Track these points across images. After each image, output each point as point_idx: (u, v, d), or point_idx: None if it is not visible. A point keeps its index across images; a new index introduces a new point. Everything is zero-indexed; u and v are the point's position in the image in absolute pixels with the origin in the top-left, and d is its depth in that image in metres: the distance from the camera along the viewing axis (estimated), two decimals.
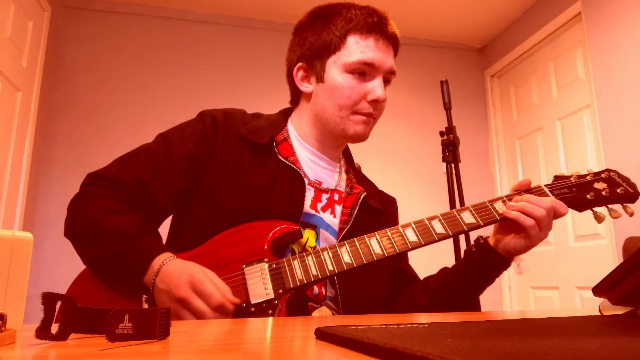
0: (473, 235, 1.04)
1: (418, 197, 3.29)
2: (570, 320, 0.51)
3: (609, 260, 2.55)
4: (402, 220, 1.16)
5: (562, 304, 2.88)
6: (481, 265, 0.93)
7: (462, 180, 1.53)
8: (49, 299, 0.40)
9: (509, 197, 0.91)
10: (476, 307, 1.01)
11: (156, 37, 3.17)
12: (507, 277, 3.35)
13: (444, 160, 1.55)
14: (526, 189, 0.93)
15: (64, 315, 0.41)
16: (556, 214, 0.87)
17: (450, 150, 1.53)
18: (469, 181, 2.80)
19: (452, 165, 1.53)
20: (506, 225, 0.90)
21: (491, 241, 0.92)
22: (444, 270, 1.01)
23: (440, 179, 3.13)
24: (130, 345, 0.39)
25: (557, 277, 2.96)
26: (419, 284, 1.03)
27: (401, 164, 3.38)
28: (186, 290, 0.77)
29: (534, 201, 0.86)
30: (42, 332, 0.39)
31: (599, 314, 0.57)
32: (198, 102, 3.04)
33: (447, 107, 1.55)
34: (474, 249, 0.94)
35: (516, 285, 3.32)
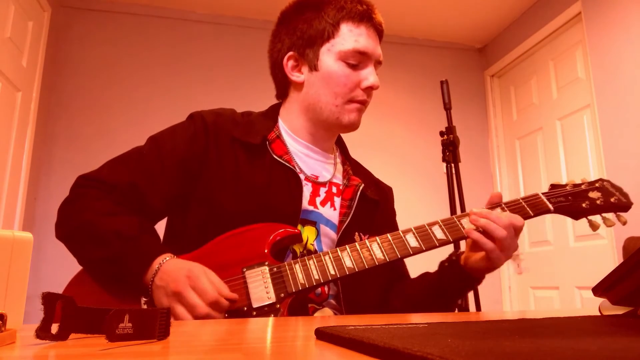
0: None
1: (418, 197, 3.29)
2: (570, 320, 0.51)
3: (609, 260, 2.55)
4: (397, 209, 1.17)
5: (562, 304, 2.88)
6: (452, 281, 0.94)
7: (462, 180, 1.53)
8: (49, 299, 0.40)
9: (508, 205, 0.91)
10: (452, 310, 1.01)
11: (156, 37, 3.17)
12: (507, 277, 3.35)
13: (444, 160, 1.55)
14: (497, 203, 0.91)
15: (64, 315, 0.41)
16: (516, 230, 0.85)
17: (450, 150, 1.53)
18: (469, 181, 2.80)
19: (452, 165, 1.54)
20: (476, 243, 0.89)
21: (462, 258, 0.93)
22: (423, 276, 1.02)
23: (440, 179, 3.13)
24: (130, 345, 0.39)
25: (557, 277, 2.96)
26: (402, 285, 1.05)
27: (401, 164, 3.38)
28: (183, 285, 0.77)
29: (493, 218, 0.84)
30: (42, 332, 0.39)
31: (599, 314, 0.57)
32: (198, 102, 3.04)
33: (447, 107, 1.56)
34: (446, 264, 0.95)
35: (516, 285, 3.32)
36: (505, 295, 3.34)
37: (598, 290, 0.52)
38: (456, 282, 0.94)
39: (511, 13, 3.34)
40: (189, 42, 3.21)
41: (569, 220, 2.96)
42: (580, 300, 2.78)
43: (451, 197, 1.54)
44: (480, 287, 1.48)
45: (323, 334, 0.41)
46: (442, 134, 1.56)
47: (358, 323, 0.45)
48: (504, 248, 0.84)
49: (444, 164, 1.56)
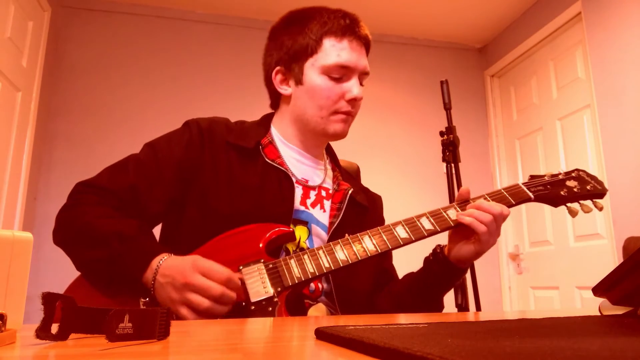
0: None
1: (418, 197, 3.29)
2: (570, 320, 0.51)
3: (609, 260, 2.55)
4: (396, 209, 1.18)
5: (562, 304, 2.89)
6: (438, 274, 0.97)
7: (462, 180, 1.52)
8: (49, 299, 0.40)
9: (491, 195, 0.96)
10: (439, 308, 1.03)
11: (156, 37, 3.17)
12: (507, 277, 3.35)
13: (444, 160, 1.55)
14: (466, 200, 0.95)
15: (64, 315, 0.41)
16: (503, 218, 0.91)
17: (450, 150, 1.53)
18: (469, 181, 2.80)
19: (452, 165, 1.53)
20: (458, 232, 0.94)
21: (446, 250, 0.96)
22: (407, 275, 1.05)
23: (440, 179, 3.13)
24: (130, 345, 0.39)
25: (557, 277, 2.96)
26: (386, 288, 1.06)
27: (401, 164, 3.38)
28: (191, 274, 0.77)
29: (484, 207, 0.90)
30: (42, 332, 0.39)
31: (599, 314, 0.57)
32: (198, 102, 3.04)
33: (447, 107, 1.55)
34: (431, 258, 0.98)
35: (516, 285, 3.32)
36: (505, 295, 3.34)
37: (598, 290, 0.52)
38: (441, 272, 0.96)
39: (511, 13, 3.34)
40: (189, 42, 3.21)
41: (569, 220, 2.97)
42: (580, 300, 2.78)
43: (451, 197, 1.54)
44: (480, 287, 1.48)
45: (323, 334, 0.41)
46: (442, 134, 1.56)
47: (358, 323, 0.45)
48: (491, 231, 0.89)
49: (444, 164, 1.56)
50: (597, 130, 2.67)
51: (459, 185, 1.53)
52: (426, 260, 0.99)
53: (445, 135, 1.54)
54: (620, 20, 2.56)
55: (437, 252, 0.97)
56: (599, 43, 2.68)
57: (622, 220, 2.43)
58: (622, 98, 2.53)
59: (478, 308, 1.53)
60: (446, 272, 0.95)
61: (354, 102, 1.00)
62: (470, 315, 0.94)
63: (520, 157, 3.40)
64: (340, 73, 0.98)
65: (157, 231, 0.98)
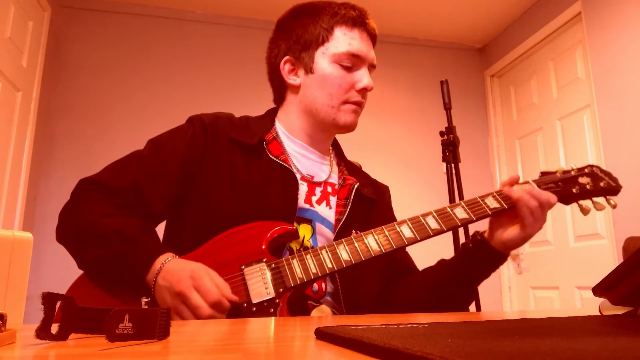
0: (473, 227, 1.05)
1: (418, 197, 3.29)
2: (570, 320, 0.51)
3: (609, 260, 2.55)
4: (396, 209, 1.17)
5: (562, 304, 2.89)
6: (478, 260, 0.95)
7: (462, 180, 1.53)
8: (49, 299, 0.40)
9: (499, 193, 0.93)
10: (473, 298, 1.02)
11: (156, 37, 3.17)
12: (507, 277, 3.35)
13: (444, 160, 1.55)
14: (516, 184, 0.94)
15: (64, 315, 0.41)
16: (550, 205, 0.90)
17: (450, 150, 1.53)
18: (469, 181, 2.80)
19: (452, 165, 1.54)
20: (499, 219, 0.92)
21: (486, 235, 0.94)
22: (441, 263, 1.02)
23: (440, 179, 3.13)
24: (130, 345, 0.39)
25: (557, 277, 2.96)
26: (416, 277, 1.04)
27: (401, 164, 3.38)
28: (186, 285, 0.77)
29: (530, 191, 0.89)
30: (42, 332, 0.39)
31: (599, 314, 0.57)
32: (198, 102, 3.04)
33: (447, 107, 1.56)
34: (470, 245, 0.95)
35: (516, 285, 3.32)
36: (505, 295, 3.34)
37: (598, 290, 0.52)
38: (483, 260, 0.94)
39: (511, 13, 3.34)
40: (189, 42, 3.21)
41: (569, 220, 2.97)
42: (580, 300, 2.78)
43: (451, 197, 1.54)
44: (480, 287, 1.48)
45: (323, 334, 0.41)
46: (442, 134, 1.56)
47: (358, 323, 0.45)
48: (536, 217, 0.88)
49: (444, 164, 1.56)
50: (597, 130, 2.67)
51: (459, 185, 1.53)
52: (464, 247, 0.96)
53: (445, 135, 1.54)
54: (620, 20, 2.56)
55: (478, 238, 0.94)
56: (599, 43, 2.68)
57: (622, 220, 2.43)
58: (622, 98, 2.53)
59: (478, 308, 1.53)
60: (489, 259, 0.93)
61: (364, 91, 1.00)
62: (471, 315, 0.94)
63: (520, 157, 3.40)
64: (351, 62, 0.98)
65: (160, 230, 0.98)
